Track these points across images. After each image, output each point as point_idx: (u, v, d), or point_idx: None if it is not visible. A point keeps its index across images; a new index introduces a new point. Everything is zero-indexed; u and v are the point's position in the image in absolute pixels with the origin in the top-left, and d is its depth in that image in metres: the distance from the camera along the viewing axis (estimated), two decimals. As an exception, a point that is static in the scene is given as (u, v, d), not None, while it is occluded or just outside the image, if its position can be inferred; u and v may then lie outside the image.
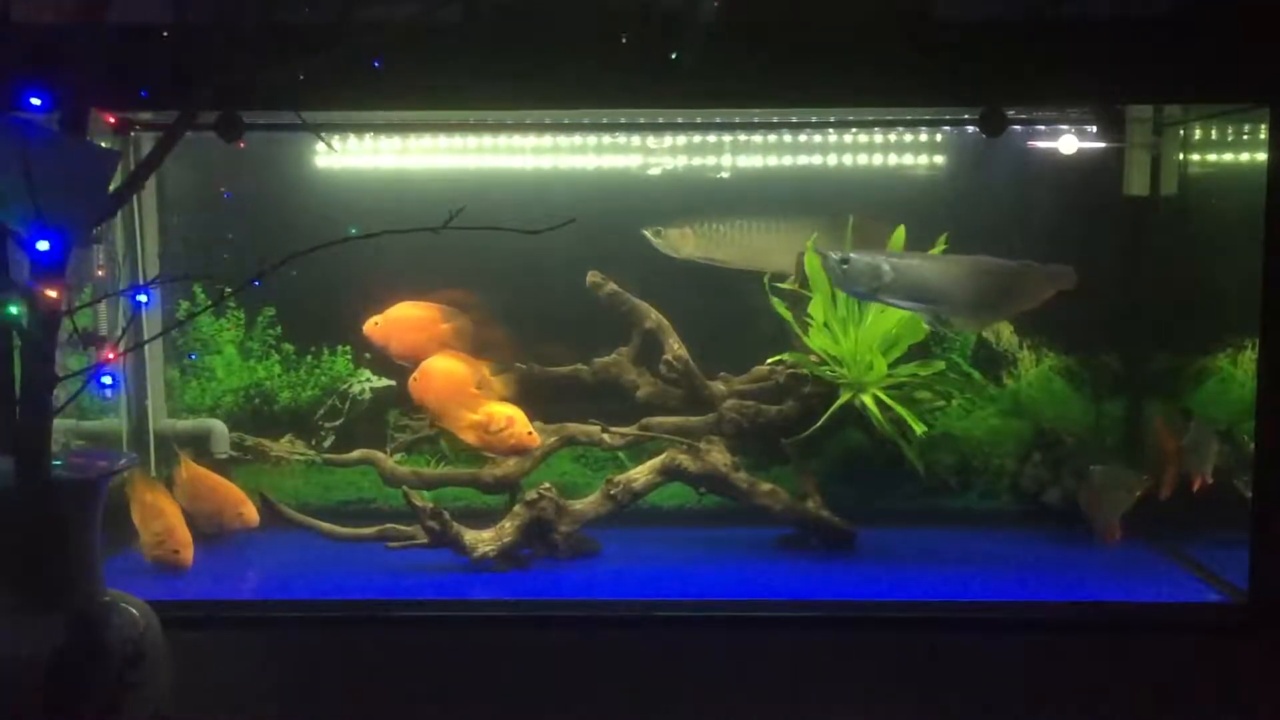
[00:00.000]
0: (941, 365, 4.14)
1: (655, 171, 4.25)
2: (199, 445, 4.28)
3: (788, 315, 4.04)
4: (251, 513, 3.96)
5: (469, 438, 3.91)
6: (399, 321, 4.09)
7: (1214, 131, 4.21)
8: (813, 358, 4.02)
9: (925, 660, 3.37)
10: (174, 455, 4.12)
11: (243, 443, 4.34)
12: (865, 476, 4.30)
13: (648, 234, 4.20)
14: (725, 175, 4.30)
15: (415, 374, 4.01)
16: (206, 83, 2.77)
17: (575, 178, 4.22)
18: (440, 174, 4.22)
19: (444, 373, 3.98)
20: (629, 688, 3.37)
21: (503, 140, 4.16)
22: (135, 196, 3.95)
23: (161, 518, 3.77)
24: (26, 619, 2.60)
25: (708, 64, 3.28)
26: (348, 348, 4.38)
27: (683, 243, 4.20)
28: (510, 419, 3.89)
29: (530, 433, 3.92)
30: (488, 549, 3.78)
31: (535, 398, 4.12)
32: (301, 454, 4.33)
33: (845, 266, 3.77)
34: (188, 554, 3.75)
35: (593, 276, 4.11)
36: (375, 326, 4.10)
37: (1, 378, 2.92)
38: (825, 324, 4.03)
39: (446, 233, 2.80)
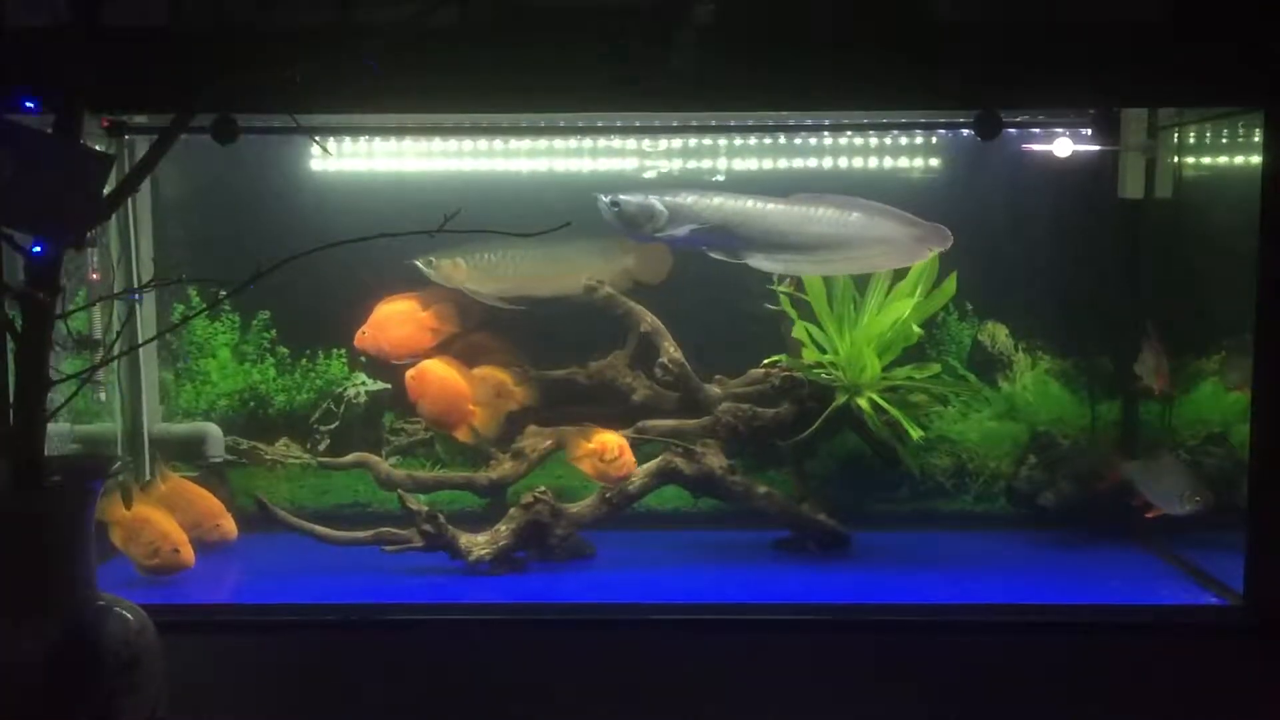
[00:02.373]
0: (937, 368, 4.15)
1: (650, 174, 4.24)
2: (193, 449, 4.27)
3: (794, 313, 4.03)
4: (230, 525, 3.94)
5: (586, 468, 3.91)
6: (383, 323, 4.07)
7: (1209, 134, 4.22)
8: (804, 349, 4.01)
9: (921, 662, 3.37)
10: (156, 464, 4.11)
11: (238, 446, 4.33)
12: (861, 479, 4.30)
13: (419, 263, 4.05)
14: (720, 178, 4.29)
15: (412, 372, 4.00)
16: (202, 85, 2.76)
17: (572, 180, 4.20)
18: (436, 177, 4.21)
19: (439, 379, 3.98)
20: (625, 691, 3.36)
21: (499, 144, 4.15)
22: (130, 200, 3.94)
23: (148, 525, 3.73)
24: (20, 623, 2.59)
25: (701, 67, 3.28)
26: (343, 351, 4.37)
27: (455, 273, 4.07)
28: (620, 447, 3.90)
29: (634, 461, 3.92)
30: (483, 552, 3.77)
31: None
32: (296, 457, 4.33)
33: (616, 209, 3.74)
34: (188, 550, 3.72)
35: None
36: (364, 336, 4.09)
37: (-5, 381, 2.91)
38: (821, 326, 4.03)
39: (443, 236, 2.79)
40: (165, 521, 3.76)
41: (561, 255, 4.07)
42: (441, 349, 4.13)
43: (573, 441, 3.96)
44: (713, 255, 3.82)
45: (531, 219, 3.18)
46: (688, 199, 3.82)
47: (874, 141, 4.22)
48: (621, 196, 3.79)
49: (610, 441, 3.90)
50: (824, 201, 3.85)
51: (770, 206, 3.82)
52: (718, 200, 3.82)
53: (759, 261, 3.80)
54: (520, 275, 4.07)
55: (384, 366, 4.23)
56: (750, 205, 3.81)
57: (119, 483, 3.81)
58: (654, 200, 3.79)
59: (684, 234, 3.75)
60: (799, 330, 3.99)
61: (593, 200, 3.83)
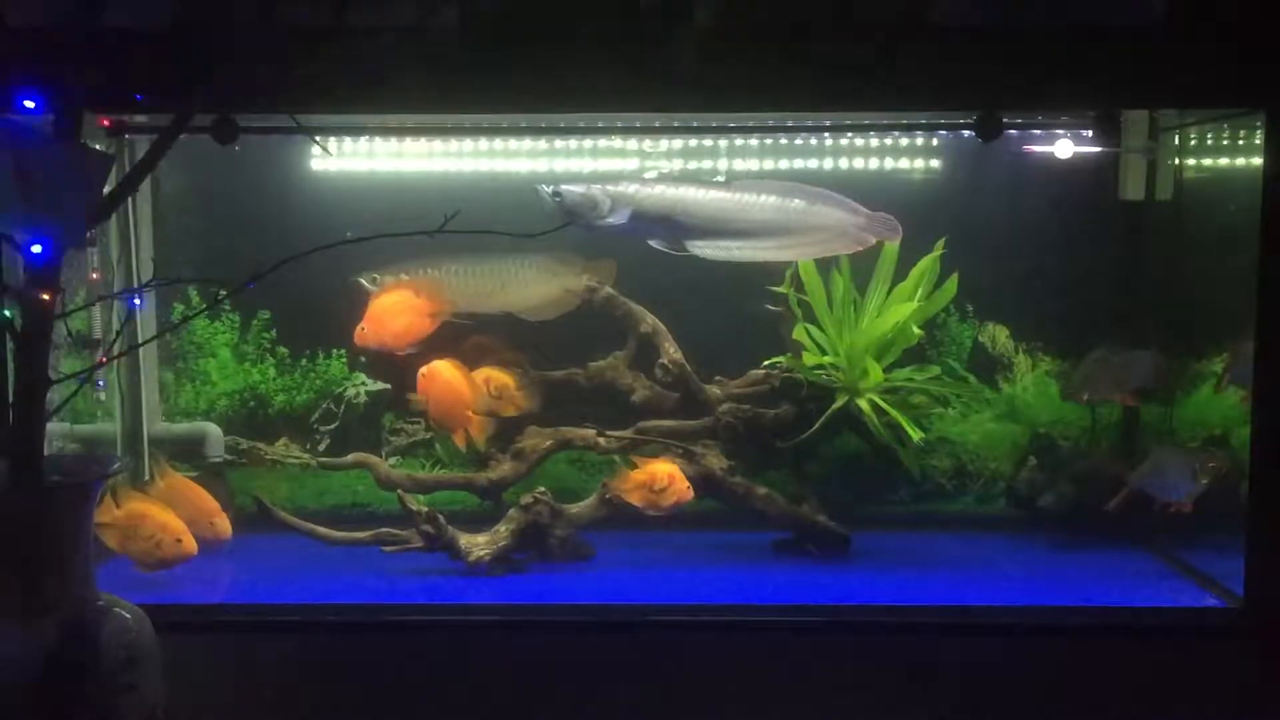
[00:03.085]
0: (936, 370, 4.15)
1: (651, 174, 4.24)
2: (193, 449, 4.26)
3: (798, 313, 4.03)
4: (224, 524, 3.93)
5: (635, 499, 3.88)
6: (380, 316, 4.03)
7: (1210, 136, 4.22)
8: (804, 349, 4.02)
9: (921, 664, 3.37)
10: (155, 461, 4.11)
11: (238, 446, 4.33)
12: (861, 480, 4.30)
13: (363, 280, 4.05)
14: (721, 178, 4.29)
15: (424, 370, 4.00)
16: (202, 85, 2.77)
17: (571, 180, 4.20)
18: (436, 177, 4.21)
19: (446, 382, 3.99)
20: (624, 692, 3.36)
21: (498, 144, 4.15)
22: (130, 199, 3.94)
23: (146, 519, 3.72)
24: (20, 623, 2.59)
25: (702, 67, 3.28)
26: (343, 351, 4.37)
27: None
28: (670, 476, 3.88)
29: (688, 486, 3.89)
30: (483, 553, 3.77)
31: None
32: (296, 458, 4.32)
33: (559, 199, 3.75)
34: (189, 539, 3.71)
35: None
36: (364, 332, 4.05)
37: (-5, 381, 2.91)
38: (821, 327, 4.03)
39: (444, 236, 2.80)
40: (162, 513, 3.74)
41: (506, 272, 4.06)
42: (446, 344, 4.12)
43: (620, 473, 3.93)
44: (653, 244, 3.81)
45: (531, 220, 3.18)
46: (630, 188, 3.83)
47: (874, 142, 4.22)
48: (564, 186, 3.80)
49: (660, 471, 3.87)
50: (766, 188, 3.87)
51: (712, 194, 3.83)
52: (660, 189, 3.83)
53: (700, 249, 3.80)
54: (465, 292, 4.05)
55: (386, 364, 4.22)
56: (692, 193, 3.83)
57: (106, 485, 3.81)
58: (596, 190, 3.79)
59: (626, 223, 3.75)
60: (799, 332, 3.98)
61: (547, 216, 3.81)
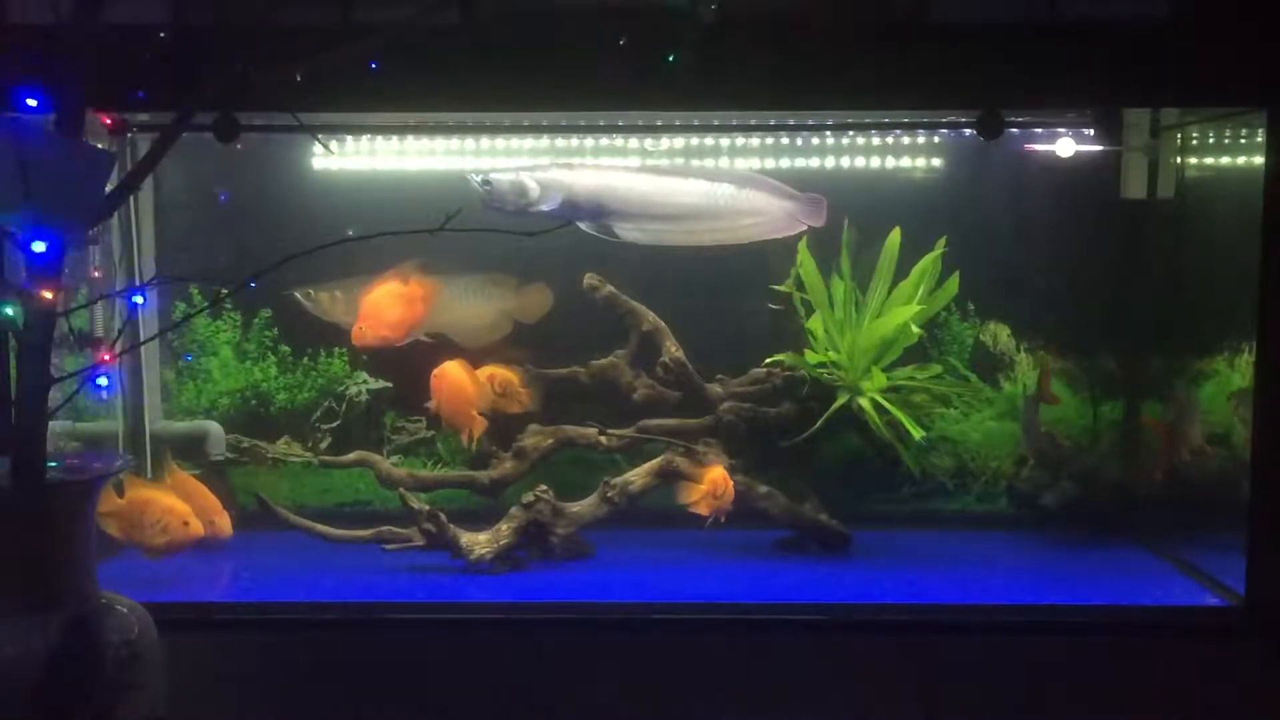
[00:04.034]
0: (938, 369, 4.15)
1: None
2: (195, 447, 4.27)
3: (802, 311, 4.04)
4: (225, 523, 3.95)
5: (705, 510, 3.88)
6: (374, 312, 4.03)
7: (1211, 135, 4.22)
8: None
9: (923, 663, 3.37)
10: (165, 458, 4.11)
11: (239, 445, 4.33)
12: (863, 479, 4.30)
13: (298, 295, 4.06)
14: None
15: (436, 370, 4.01)
16: (203, 83, 2.77)
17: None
18: (438, 175, 4.21)
19: (452, 381, 4.00)
20: (625, 690, 3.36)
21: (500, 142, 4.15)
22: (131, 197, 3.94)
23: (151, 504, 3.72)
24: (21, 621, 2.59)
25: (703, 66, 3.28)
26: (344, 350, 4.37)
27: (333, 306, 4.08)
28: (725, 478, 3.89)
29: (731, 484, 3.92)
30: (484, 551, 3.77)
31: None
32: (298, 456, 4.33)
33: (489, 187, 3.76)
34: (196, 522, 3.73)
35: (590, 279, 4.10)
36: (361, 331, 4.05)
37: (-3, 379, 2.92)
38: (825, 327, 4.03)
39: (444, 234, 2.79)
40: (167, 498, 3.75)
41: (440, 291, 4.06)
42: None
43: (684, 488, 3.92)
44: (583, 227, 3.83)
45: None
46: (558, 174, 3.85)
47: (876, 141, 4.22)
48: (493, 174, 3.81)
49: (719, 477, 3.88)
50: (694, 173, 3.91)
51: (639, 179, 3.86)
52: (587, 174, 3.86)
53: (628, 232, 3.84)
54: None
55: (389, 359, 4.21)
56: (620, 178, 3.86)
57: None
58: (525, 177, 3.81)
59: (556, 208, 3.78)
60: (814, 323, 3.98)
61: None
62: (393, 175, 4.21)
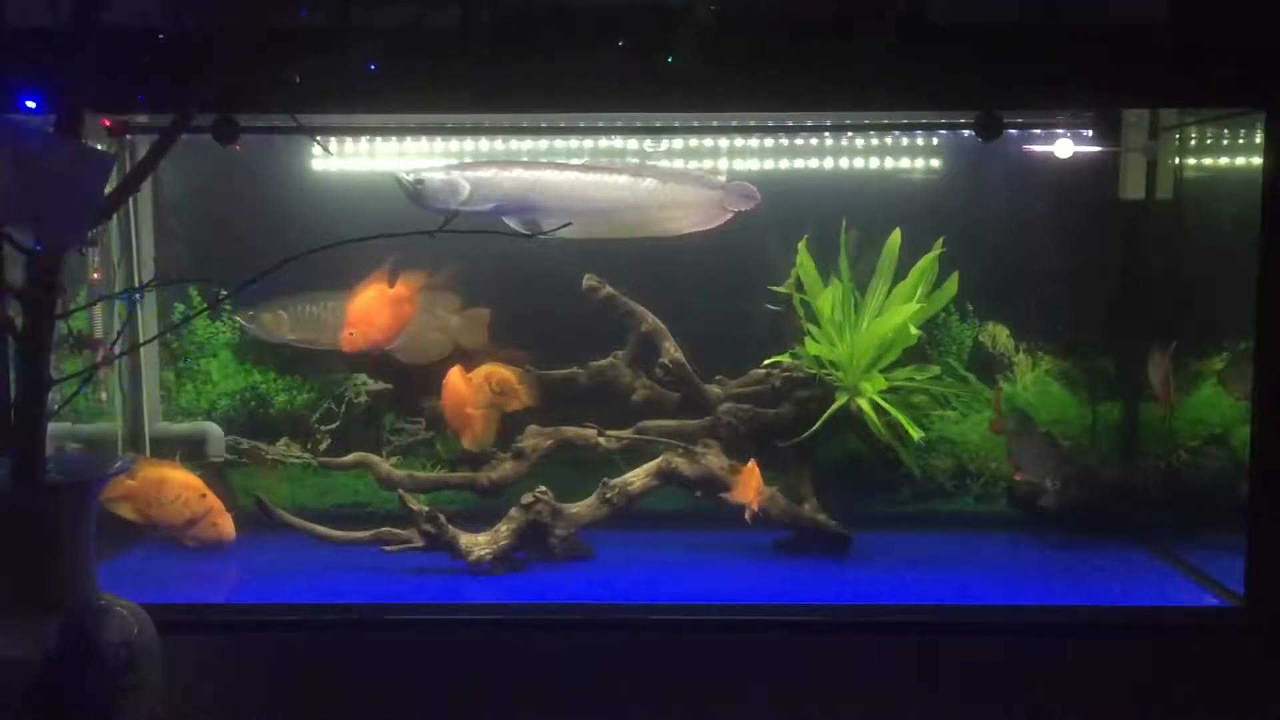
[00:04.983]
0: (937, 370, 4.15)
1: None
2: (194, 448, 4.26)
3: (800, 312, 4.04)
4: (227, 524, 3.96)
5: (756, 503, 3.88)
6: (362, 318, 4.05)
7: (1210, 136, 4.22)
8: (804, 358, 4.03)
9: (922, 664, 3.37)
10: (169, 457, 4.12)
11: (238, 446, 4.33)
12: (862, 480, 4.30)
13: (239, 318, 4.08)
14: (721, 178, 4.29)
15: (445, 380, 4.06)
16: (203, 85, 2.77)
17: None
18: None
19: (449, 387, 4.04)
20: (625, 691, 3.36)
21: (499, 143, 4.15)
22: (131, 199, 3.94)
23: (166, 482, 3.80)
24: (20, 623, 2.59)
25: (702, 67, 3.28)
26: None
27: (277, 325, 4.09)
28: (757, 474, 3.91)
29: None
30: (483, 552, 3.77)
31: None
32: (297, 457, 4.32)
33: (420, 186, 3.78)
34: (213, 496, 3.83)
35: (589, 280, 4.10)
36: (352, 337, 4.06)
37: (-4, 381, 2.91)
38: (822, 327, 4.03)
39: (442, 237, 2.80)
40: (180, 474, 3.79)
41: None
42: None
43: (741, 487, 3.91)
44: (511, 225, 3.86)
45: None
46: (488, 172, 3.88)
47: (875, 142, 4.22)
48: (424, 173, 3.83)
49: (756, 471, 3.89)
50: (619, 168, 3.96)
51: (567, 175, 3.89)
52: (517, 171, 3.88)
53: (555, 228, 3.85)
54: (340, 325, 4.09)
55: (386, 362, 4.21)
56: (548, 174, 3.89)
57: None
58: (456, 175, 3.84)
59: (488, 207, 3.81)
60: (824, 311, 3.99)
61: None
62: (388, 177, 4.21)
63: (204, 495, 3.81)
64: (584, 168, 3.96)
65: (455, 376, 4.04)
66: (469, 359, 4.14)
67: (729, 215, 3.94)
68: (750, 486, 3.84)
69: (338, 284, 4.08)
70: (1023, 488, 4.07)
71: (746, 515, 3.83)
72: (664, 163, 4.05)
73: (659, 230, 3.95)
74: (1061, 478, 3.96)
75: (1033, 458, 4.03)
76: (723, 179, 3.98)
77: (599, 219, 3.89)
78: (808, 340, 4.01)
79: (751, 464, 3.88)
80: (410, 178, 3.83)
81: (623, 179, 3.94)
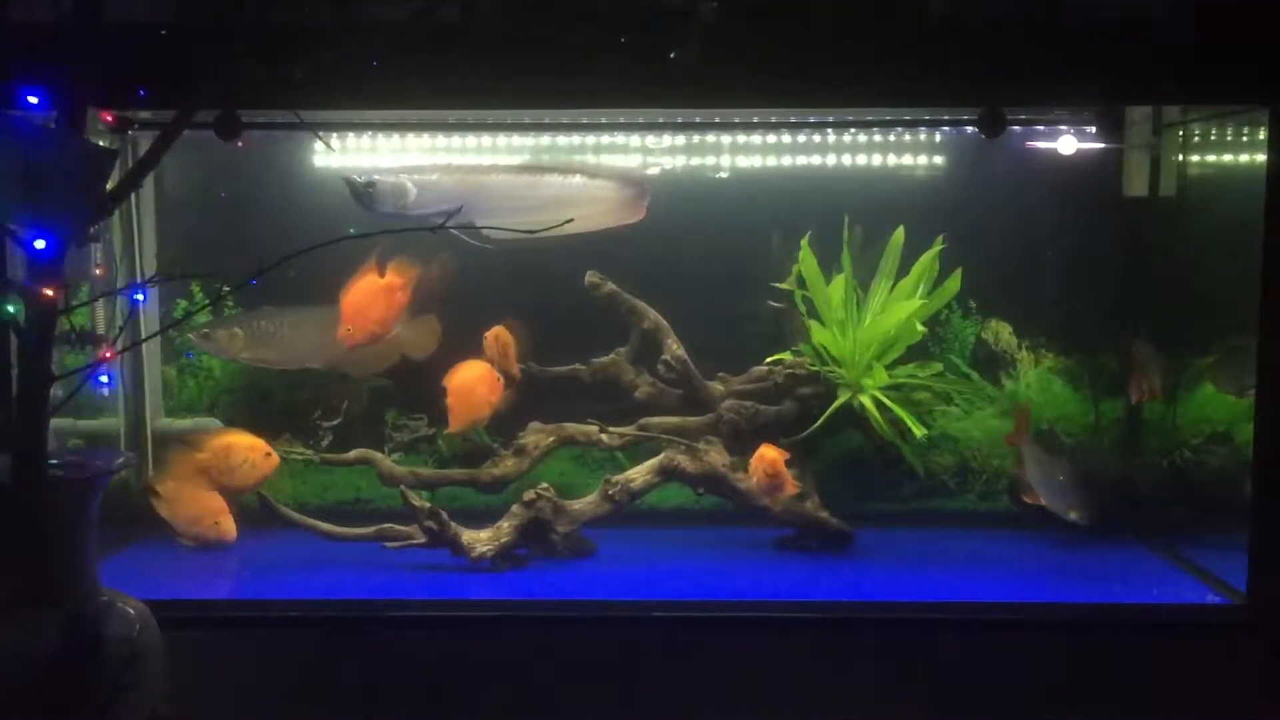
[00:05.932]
0: (939, 366, 4.14)
1: (653, 171, 4.25)
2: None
3: (803, 309, 4.04)
4: (229, 524, 3.97)
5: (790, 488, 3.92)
6: (357, 312, 4.02)
7: (1214, 132, 4.21)
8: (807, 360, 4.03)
9: (923, 661, 3.37)
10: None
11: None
12: (864, 477, 4.30)
13: (192, 337, 4.08)
14: (723, 175, 4.30)
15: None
16: (205, 81, 2.76)
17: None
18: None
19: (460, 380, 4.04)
20: (627, 688, 3.36)
21: (501, 140, 4.15)
22: (133, 195, 3.94)
23: (233, 447, 3.92)
24: (22, 618, 2.59)
25: (704, 63, 3.28)
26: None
27: (231, 344, 4.08)
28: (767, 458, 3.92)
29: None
30: (485, 549, 3.77)
31: (532, 397, 4.14)
32: (299, 454, 4.32)
33: (370, 189, 3.84)
34: (275, 454, 3.96)
35: (591, 276, 4.10)
36: (350, 333, 4.03)
37: (-2, 376, 2.92)
38: (826, 320, 4.03)
39: (445, 234, 2.80)
40: (243, 437, 3.97)
41: (330, 322, 4.04)
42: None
43: (776, 480, 3.93)
44: (449, 227, 3.85)
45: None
46: (434, 176, 3.94)
47: (878, 139, 4.22)
48: (375, 176, 3.88)
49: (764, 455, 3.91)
50: (548, 167, 4.04)
51: (502, 177, 3.97)
52: (459, 175, 3.96)
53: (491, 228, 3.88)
54: (295, 343, 4.11)
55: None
56: (487, 177, 3.97)
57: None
58: (405, 179, 3.90)
59: (433, 210, 3.85)
60: (815, 332, 3.99)
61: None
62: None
63: (269, 454, 3.92)
64: (519, 169, 4.03)
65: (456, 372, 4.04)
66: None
67: (645, 211, 4.02)
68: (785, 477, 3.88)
69: (303, 295, 4.07)
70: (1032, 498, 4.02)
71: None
72: (590, 159, 4.14)
73: (586, 226, 3.96)
74: (1090, 509, 3.88)
75: (1055, 487, 3.94)
76: (644, 174, 4.07)
77: (533, 219, 3.88)
78: (814, 326, 4.01)
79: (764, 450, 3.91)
80: (361, 179, 3.88)
81: (554, 178, 4.03)
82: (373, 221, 3.87)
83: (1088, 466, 4.16)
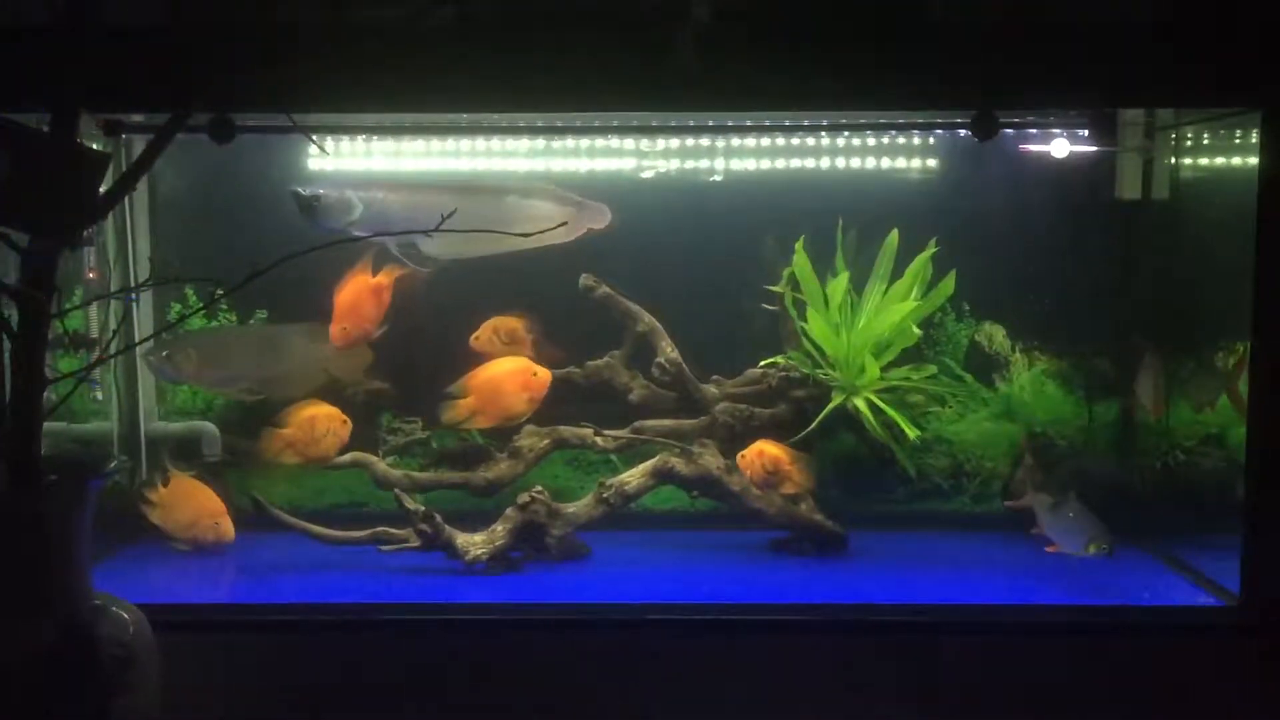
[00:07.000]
0: (933, 369, 4.15)
1: (648, 174, 4.25)
2: (190, 448, 4.25)
3: (793, 311, 4.04)
4: (228, 526, 3.96)
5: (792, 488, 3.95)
6: (350, 311, 4.04)
7: (1206, 136, 4.22)
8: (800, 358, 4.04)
9: (919, 663, 3.37)
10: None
11: (235, 446, 4.32)
12: (858, 479, 4.30)
13: (149, 358, 4.05)
14: (718, 178, 4.30)
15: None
16: (198, 84, 2.76)
17: (570, 181, 4.19)
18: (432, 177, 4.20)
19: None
20: (621, 691, 3.36)
21: (495, 143, 4.15)
22: (126, 198, 3.93)
23: (316, 418, 3.94)
24: (16, 623, 2.58)
25: (701, 66, 3.28)
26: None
27: (186, 364, 4.04)
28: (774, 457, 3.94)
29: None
30: (480, 552, 3.77)
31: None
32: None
33: (316, 203, 3.85)
34: (349, 422, 3.99)
35: (586, 279, 4.10)
36: (344, 332, 4.05)
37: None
38: (818, 327, 4.03)
39: (438, 237, 2.79)
40: (322, 407, 4.00)
41: (274, 341, 4.15)
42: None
43: (790, 474, 3.97)
44: (392, 249, 3.94)
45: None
46: (378, 193, 3.96)
47: (871, 142, 4.22)
48: (321, 190, 3.90)
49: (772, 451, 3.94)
50: (483, 186, 4.07)
51: (442, 196, 3.92)
52: (403, 193, 3.97)
53: (433, 247, 3.92)
54: (245, 361, 4.13)
55: (382, 364, 4.21)
56: (427, 196, 3.95)
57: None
58: (351, 194, 3.92)
59: (374, 226, 3.86)
60: (811, 322, 3.98)
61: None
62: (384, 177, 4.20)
63: (345, 421, 3.97)
64: (454, 189, 3.99)
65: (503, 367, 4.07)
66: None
67: (582, 231, 3.98)
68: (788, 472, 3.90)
69: (293, 302, 4.10)
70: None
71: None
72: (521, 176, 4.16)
73: (518, 244, 3.94)
74: (1106, 537, 3.78)
75: (1068, 529, 3.86)
76: (576, 197, 4.04)
77: (469, 237, 3.89)
78: (807, 328, 4.00)
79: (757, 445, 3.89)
80: (307, 193, 3.88)
81: (487, 197, 4.03)
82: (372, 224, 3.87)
83: (1082, 468, 4.17)
